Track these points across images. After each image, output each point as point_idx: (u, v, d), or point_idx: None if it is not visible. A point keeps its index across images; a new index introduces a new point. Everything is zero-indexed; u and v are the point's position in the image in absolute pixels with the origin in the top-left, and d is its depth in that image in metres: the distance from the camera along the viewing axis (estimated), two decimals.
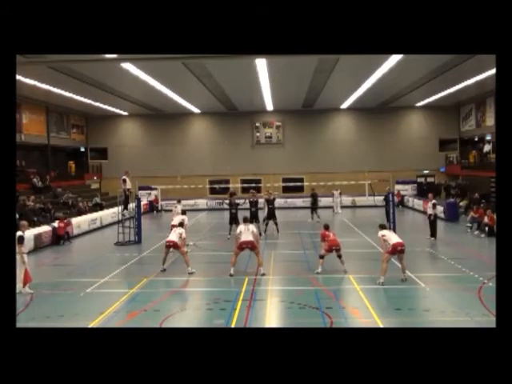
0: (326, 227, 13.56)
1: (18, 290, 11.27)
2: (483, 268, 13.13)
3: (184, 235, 14.21)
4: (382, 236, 12.34)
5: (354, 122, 35.89)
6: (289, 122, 35.97)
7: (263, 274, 13.01)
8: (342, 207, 31.05)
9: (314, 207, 25.62)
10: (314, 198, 26.23)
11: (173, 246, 13.68)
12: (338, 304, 10.46)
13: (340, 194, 30.57)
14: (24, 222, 13.09)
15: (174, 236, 13.84)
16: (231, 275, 12.90)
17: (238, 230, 13.37)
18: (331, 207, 30.23)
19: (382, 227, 12.91)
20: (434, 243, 18.17)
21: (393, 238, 12.28)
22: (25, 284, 11.82)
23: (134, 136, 36.74)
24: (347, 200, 32.87)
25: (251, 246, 13.04)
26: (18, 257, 11.56)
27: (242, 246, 13.02)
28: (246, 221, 13.99)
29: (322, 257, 13.33)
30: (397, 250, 12.04)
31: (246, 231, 13.12)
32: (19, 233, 11.94)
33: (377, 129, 35.38)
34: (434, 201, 19.34)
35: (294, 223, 24.79)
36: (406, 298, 10.89)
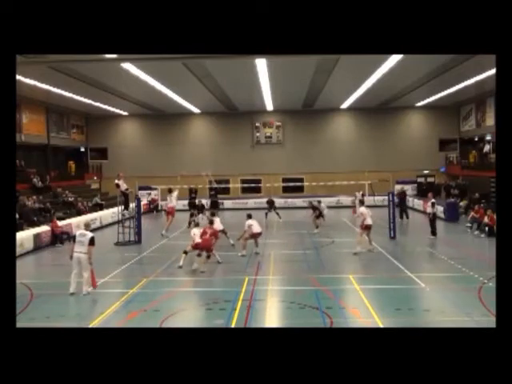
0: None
1: (84, 292, 11.19)
2: (483, 268, 13.12)
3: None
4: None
5: (354, 121, 35.88)
6: (289, 122, 35.96)
7: (257, 253, 16.02)
8: (342, 207, 30.87)
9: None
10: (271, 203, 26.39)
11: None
12: (337, 304, 10.45)
13: (363, 195, 25.65)
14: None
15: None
16: (243, 255, 15.47)
17: (249, 223, 15.98)
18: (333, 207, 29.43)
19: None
20: (434, 243, 18.18)
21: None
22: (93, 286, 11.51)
23: (134, 136, 36.73)
24: (347, 200, 32.58)
25: (259, 236, 16.37)
26: (86, 256, 11.27)
27: (256, 236, 16.03)
28: (251, 217, 16.38)
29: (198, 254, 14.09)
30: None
31: (256, 224, 16.12)
32: (92, 234, 11.67)
33: (377, 129, 35.35)
34: (433, 200, 19.72)
35: (294, 223, 24.80)
36: (406, 298, 10.87)
